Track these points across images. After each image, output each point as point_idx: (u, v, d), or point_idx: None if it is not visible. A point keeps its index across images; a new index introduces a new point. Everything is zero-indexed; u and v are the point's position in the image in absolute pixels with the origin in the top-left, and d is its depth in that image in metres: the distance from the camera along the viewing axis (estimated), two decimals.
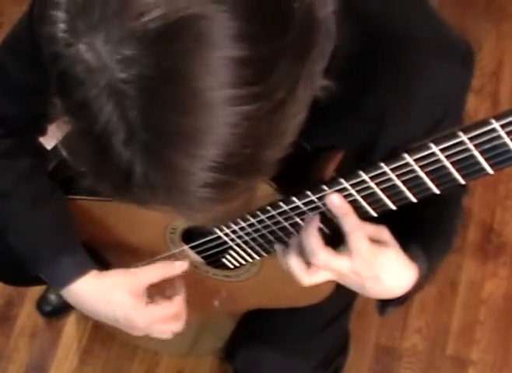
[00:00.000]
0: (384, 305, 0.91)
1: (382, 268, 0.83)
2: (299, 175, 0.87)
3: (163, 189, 0.61)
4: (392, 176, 0.74)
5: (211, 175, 0.59)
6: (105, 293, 1.02)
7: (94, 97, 0.57)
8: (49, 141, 1.19)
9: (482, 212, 1.79)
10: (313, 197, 0.82)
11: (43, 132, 1.11)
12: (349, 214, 0.80)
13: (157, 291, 1.07)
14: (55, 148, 1.28)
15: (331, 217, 0.82)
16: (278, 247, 0.92)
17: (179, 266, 1.04)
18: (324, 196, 0.80)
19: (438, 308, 1.74)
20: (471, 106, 1.77)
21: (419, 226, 0.93)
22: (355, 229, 0.80)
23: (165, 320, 1.05)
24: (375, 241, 0.82)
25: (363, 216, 0.81)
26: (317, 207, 0.83)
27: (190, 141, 0.57)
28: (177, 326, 1.07)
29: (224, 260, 1.05)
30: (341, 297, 1.19)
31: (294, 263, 0.86)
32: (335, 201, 0.80)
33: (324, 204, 0.81)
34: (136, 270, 1.04)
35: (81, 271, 1.02)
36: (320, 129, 0.78)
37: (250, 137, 0.58)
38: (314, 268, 0.84)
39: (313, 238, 0.82)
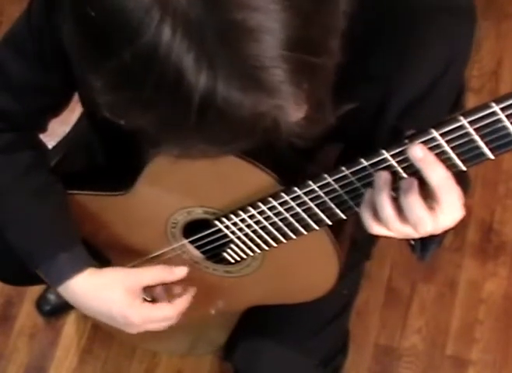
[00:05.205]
0: (425, 249, 0.89)
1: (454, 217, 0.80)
2: (300, 169, 0.88)
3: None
4: (393, 162, 0.74)
5: (284, 53, 0.58)
6: (101, 290, 1.02)
7: (150, 19, 0.55)
8: (50, 140, 1.19)
9: (481, 211, 1.79)
10: (314, 186, 0.82)
11: (43, 129, 1.11)
12: (436, 165, 0.73)
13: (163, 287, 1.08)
14: (56, 146, 1.29)
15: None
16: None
17: (178, 273, 1.04)
18: (325, 184, 0.81)
19: (438, 308, 1.73)
20: (471, 105, 1.76)
21: None
22: (444, 183, 0.73)
23: (160, 320, 1.06)
24: None
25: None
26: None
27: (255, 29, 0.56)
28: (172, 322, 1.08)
29: (225, 254, 1.05)
30: (341, 296, 1.20)
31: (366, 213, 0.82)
32: (418, 154, 0.73)
33: (402, 161, 0.75)
34: (134, 270, 1.05)
35: (77, 268, 1.01)
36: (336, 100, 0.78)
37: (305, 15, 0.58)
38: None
39: (386, 205, 0.77)
